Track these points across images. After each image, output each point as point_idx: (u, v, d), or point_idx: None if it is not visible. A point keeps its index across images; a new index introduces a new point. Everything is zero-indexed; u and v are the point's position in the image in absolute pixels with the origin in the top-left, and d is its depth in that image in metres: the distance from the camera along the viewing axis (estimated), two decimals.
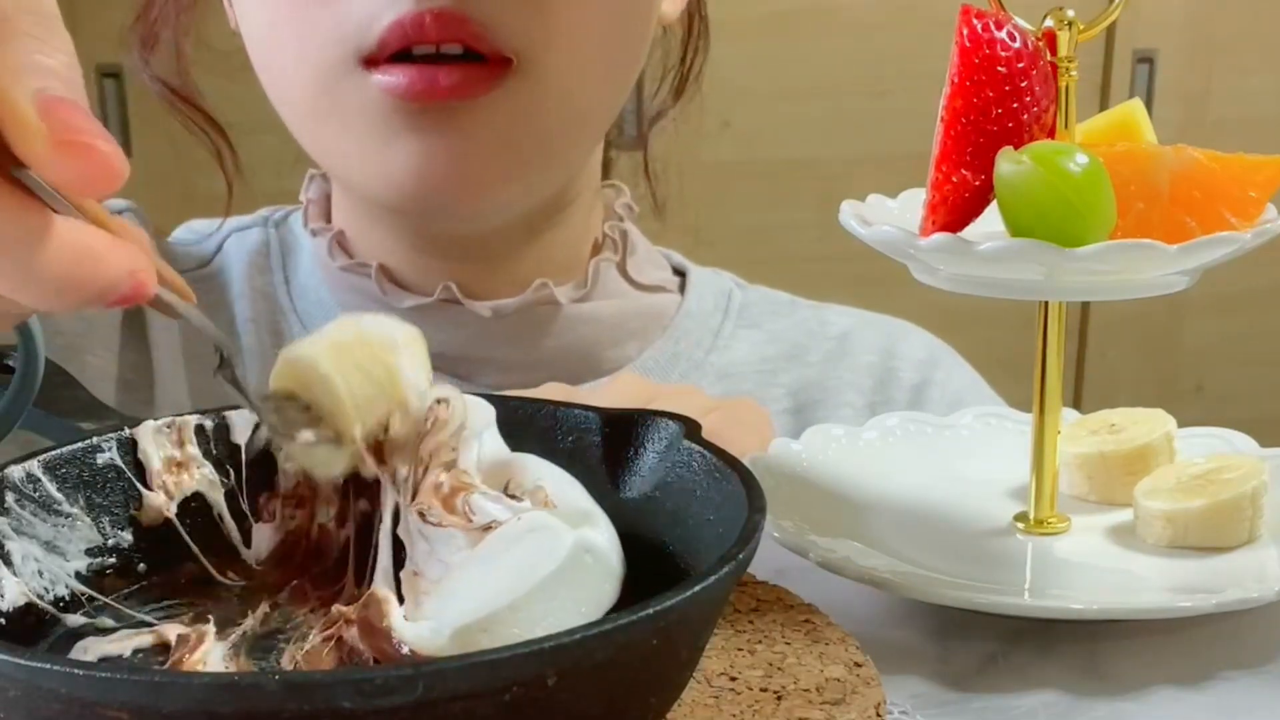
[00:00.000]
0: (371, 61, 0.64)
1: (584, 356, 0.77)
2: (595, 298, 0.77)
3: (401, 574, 0.41)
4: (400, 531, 0.42)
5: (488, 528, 0.40)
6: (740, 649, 0.43)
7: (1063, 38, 0.49)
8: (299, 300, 0.78)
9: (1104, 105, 0.59)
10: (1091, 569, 0.51)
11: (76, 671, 0.31)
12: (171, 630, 0.41)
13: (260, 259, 0.80)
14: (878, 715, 0.39)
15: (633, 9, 0.69)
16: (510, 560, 0.38)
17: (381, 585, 0.40)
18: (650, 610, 0.33)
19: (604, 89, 0.70)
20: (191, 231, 0.84)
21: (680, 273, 0.84)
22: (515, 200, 0.71)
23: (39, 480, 0.44)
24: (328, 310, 0.76)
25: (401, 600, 0.39)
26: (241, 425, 0.48)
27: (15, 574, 0.42)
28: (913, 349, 0.84)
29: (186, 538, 0.46)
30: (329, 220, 0.78)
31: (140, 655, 0.41)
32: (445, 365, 0.74)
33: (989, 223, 0.48)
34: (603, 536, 0.41)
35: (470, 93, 0.64)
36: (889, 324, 0.86)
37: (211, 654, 0.40)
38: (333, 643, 0.39)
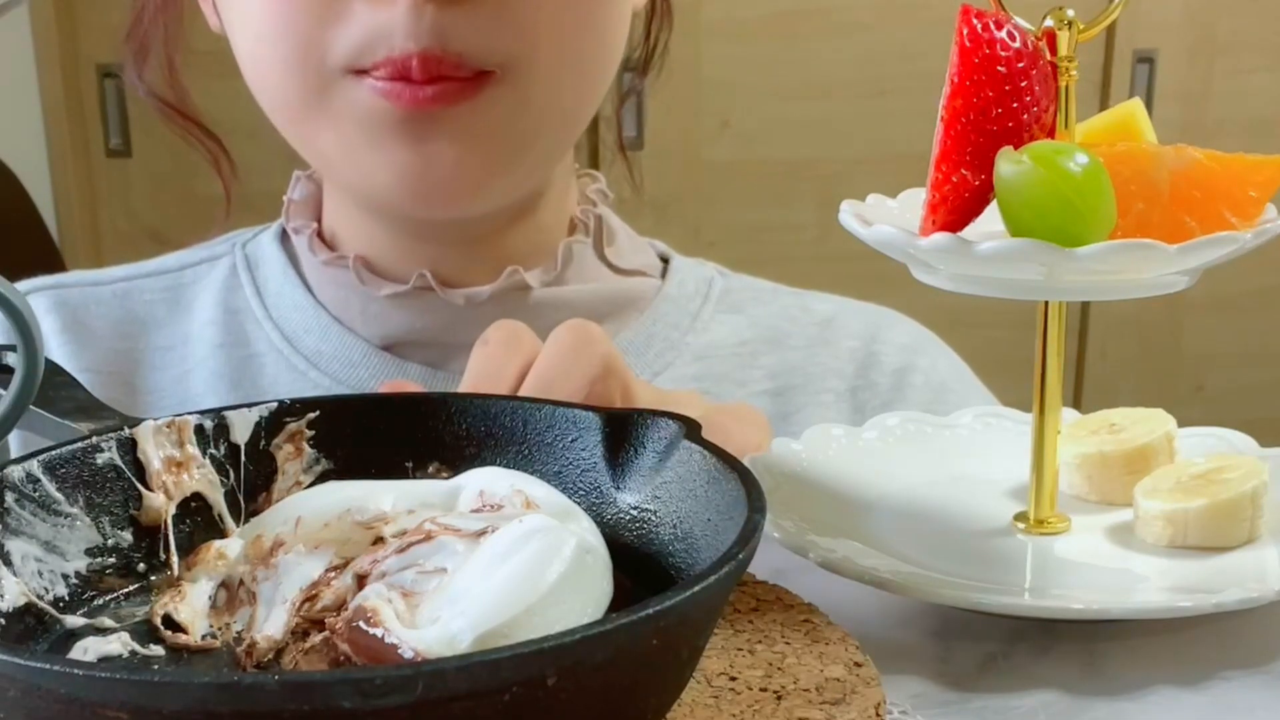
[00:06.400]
0: (362, 71, 0.66)
1: None
2: (568, 280, 0.78)
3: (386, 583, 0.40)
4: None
5: (483, 532, 0.40)
6: (740, 649, 0.42)
7: (1063, 38, 0.48)
8: (274, 307, 0.80)
9: (1104, 105, 0.59)
10: (1091, 569, 0.51)
11: (76, 671, 0.31)
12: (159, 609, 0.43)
13: (230, 281, 0.82)
14: (878, 715, 0.39)
15: (607, 11, 0.71)
16: (518, 564, 0.38)
17: (370, 596, 0.40)
18: (650, 610, 0.33)
19: (584, 88, 0.72)
20: (177, 258, 0.85)
21: (665, 260, 0.85)
22: (501, 196, 0.73)
23: (39, 480, 0.44)
24: (304, 311, 0.78)
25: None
26: (241, 425, 0.48)
27: (15, 574, 0.42)
28: (897, 335, 0.85)
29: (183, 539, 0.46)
30: (313, 220, 0.80)
31: (139, 656, 0.41)
32: (421, 351, 0.77)
33: (989, 223, 0.48)
34: (591, 533, 0.41)
35: (452, 101, 0.66)
36: (874, 311, 0.87)
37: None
38: (328, 648, 0.39)
